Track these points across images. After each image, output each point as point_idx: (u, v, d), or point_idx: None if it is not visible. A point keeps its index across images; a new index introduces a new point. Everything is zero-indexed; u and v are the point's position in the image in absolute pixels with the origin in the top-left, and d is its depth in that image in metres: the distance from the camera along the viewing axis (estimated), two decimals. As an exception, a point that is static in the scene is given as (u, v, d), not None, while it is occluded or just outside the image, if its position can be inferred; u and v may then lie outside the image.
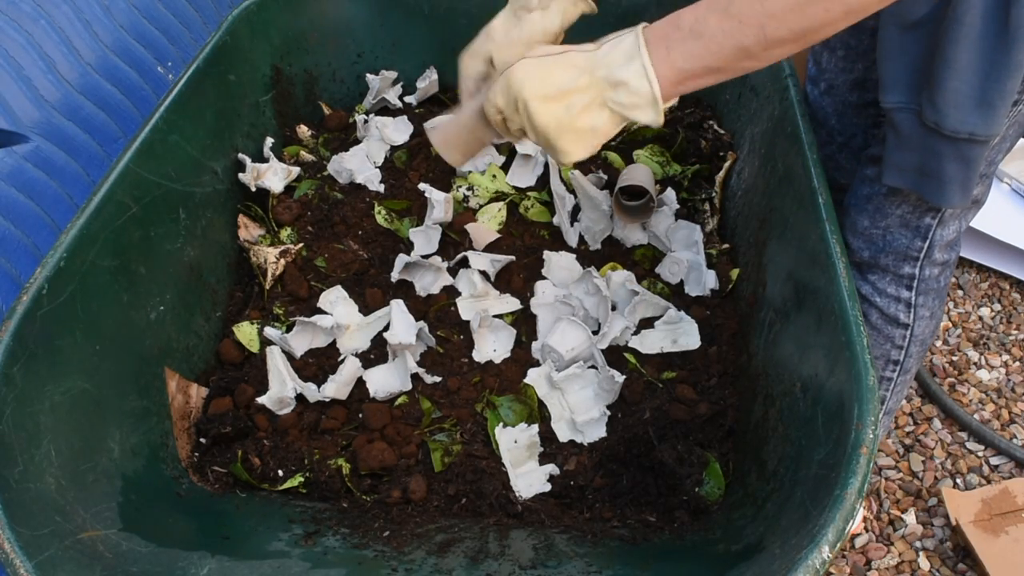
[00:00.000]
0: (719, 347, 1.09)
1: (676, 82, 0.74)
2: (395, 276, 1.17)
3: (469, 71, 0.94)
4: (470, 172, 1.31)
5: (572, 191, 1.26)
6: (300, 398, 1.07)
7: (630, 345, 1.10)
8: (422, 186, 1.25)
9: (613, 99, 0.76)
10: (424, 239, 1.22)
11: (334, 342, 1.13)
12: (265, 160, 1.32)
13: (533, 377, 1.07)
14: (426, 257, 1.19)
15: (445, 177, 1.33)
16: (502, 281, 1.18)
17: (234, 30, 1.26)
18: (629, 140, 1.36)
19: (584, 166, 1.30)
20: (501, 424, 1.02)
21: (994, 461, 1.63)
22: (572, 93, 0.76)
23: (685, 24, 0.72)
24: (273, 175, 1.29)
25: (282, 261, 1.18)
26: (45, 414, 0.80)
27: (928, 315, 1.19)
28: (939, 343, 1.84)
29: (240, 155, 1.26)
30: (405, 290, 1.18)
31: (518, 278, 1.18)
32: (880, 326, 1.20)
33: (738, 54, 0.71)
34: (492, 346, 1.12)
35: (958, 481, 1.60)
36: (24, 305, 0.80)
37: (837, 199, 1.32)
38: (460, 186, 1.29)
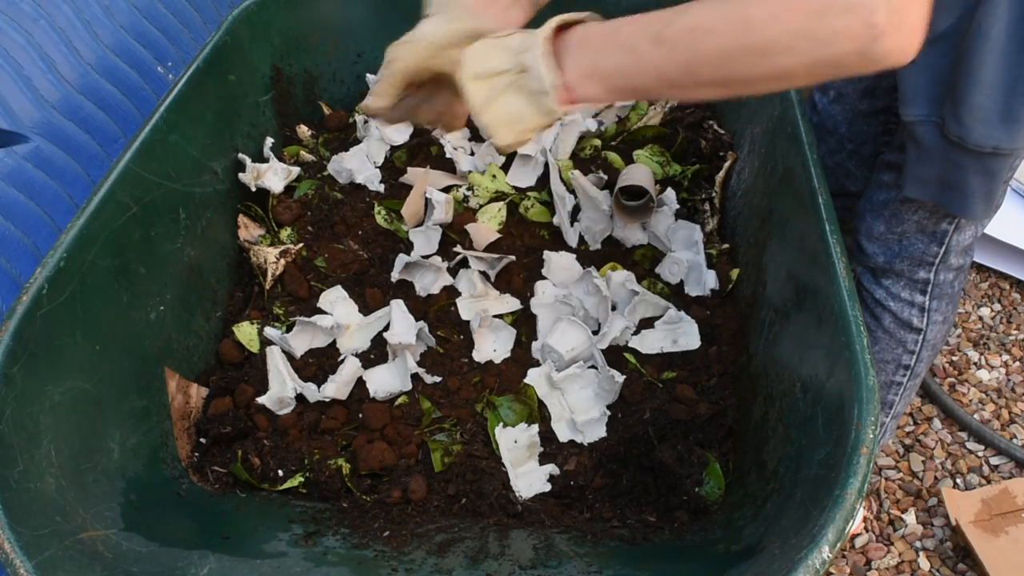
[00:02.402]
0: (719, 347, 1.09)
1: (599, 88, 0.72)
2: (395, 276, 1.17)
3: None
4: (470, 172, 1.31)
5: (572, 191, 1.26)
6: (300, 398, 1.07)
7: (630, 345, 1.10)
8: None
9: (525, 84, 0.74)
10: (424, 239, 1.22)
11: (334, 342, 1.13)
12: (265, 160, 1.32)
13: (533, 377, 1.07)
14: (426, 257, 1.19)
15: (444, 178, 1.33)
16: (502, 281, 1.18)
17: (234, 30, 1.26)
18: (629, 140, 1.36)
19: (584, 166, 1.30)
20: (501, 424, 1.02)
21: (994, 461, 1.63)
22: (497, 75, 0.75)
23: (622, 36, 0.69)
24: (273, 175, 1.29)
25: (282, 261, 1.18)
26: (45, 414, 0.80)
27: (941, 320, 1.19)
28: (939, 343, 1.84)
29: (240, 155, 1.26)
30: (405, 290, 1.18)
31: (518, 278, 1.18)
32: (893, 330, 1.20)
33: (663, 83, 0.69)
34: (492, 346, 1.12)
35: (958, 481, 1.60)
36: (24, 305, 0.80)
37: (847, 206, 1.33)
38: (460, 186, 1.29)
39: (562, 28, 0.74)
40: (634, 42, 0.68)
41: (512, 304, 1.15)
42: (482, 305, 1.14)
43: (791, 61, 0.62)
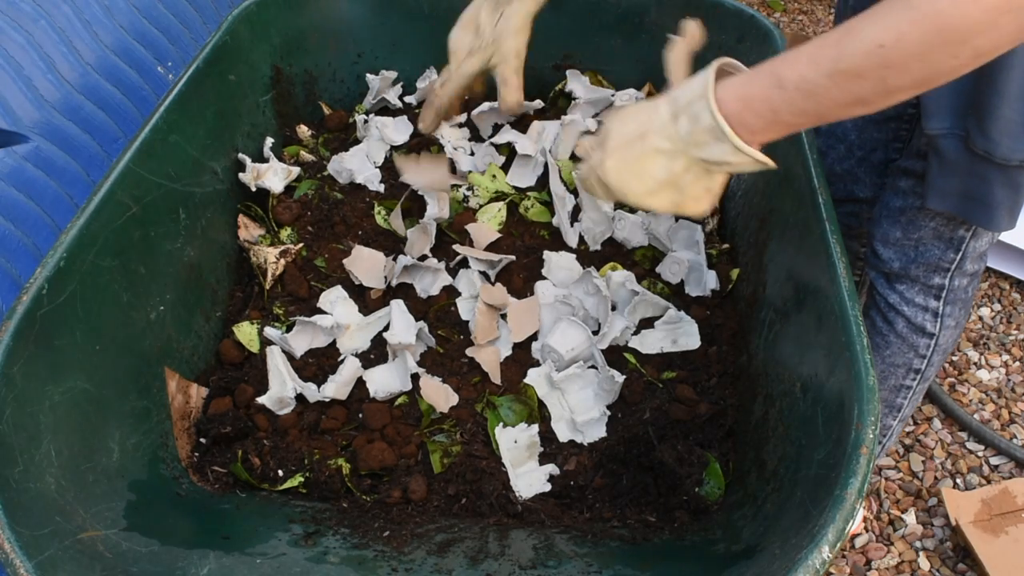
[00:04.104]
0: (719, 347, 1.09)
1: (783, 132, 0.71)
2: (395, 280, 1.17)
3: (456, 45, 0.95)
4: (470, 172, 1.31)
5: (572, 191, 1.26)
6: (300, 398, 1.07)
7: (630, 345, 1.10)
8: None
9: (717, 168, 0.74)
10: (421, 236, 1.21)
11: (334, 342, 1.13)
12: (265, 160, 1.32)
13: (533, 377, 1.07)
14: (424, 256, 1.19)
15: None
16: (502, 281, 1.18)
17: (234, 30, 1.26)
18: (629, 140, 1.36)
19: (584, 166, 1.30)
20: (501, 424, 1.02)
21: (994, 461, 1.63)
22: (676, 178, 0.74)
23: (789, 83, 0.67)
24: (273, 175, 1.29)
25: (282, 261, 1.18)
26: (45, 414, 0.80)
27: (953, 324, 1.19)
28: (939, 343, 1.84)
29: (240, 155, 1.27)
30: (405, 290, 1.18)
31: (518, 278, 1.18)
32: (906, 335, 1.20)
33: (853, 105, 0.67)
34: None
35: (958, 481, 1.60)
36: (24, 305, 0.81)
37: (855, 212, 1.33)
38: (460, 186, 1.29)
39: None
40: (812, 84, 0.66)
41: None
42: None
43: (993, 38, 0.61)
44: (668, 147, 0.73)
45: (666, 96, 0.75)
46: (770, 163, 0.72)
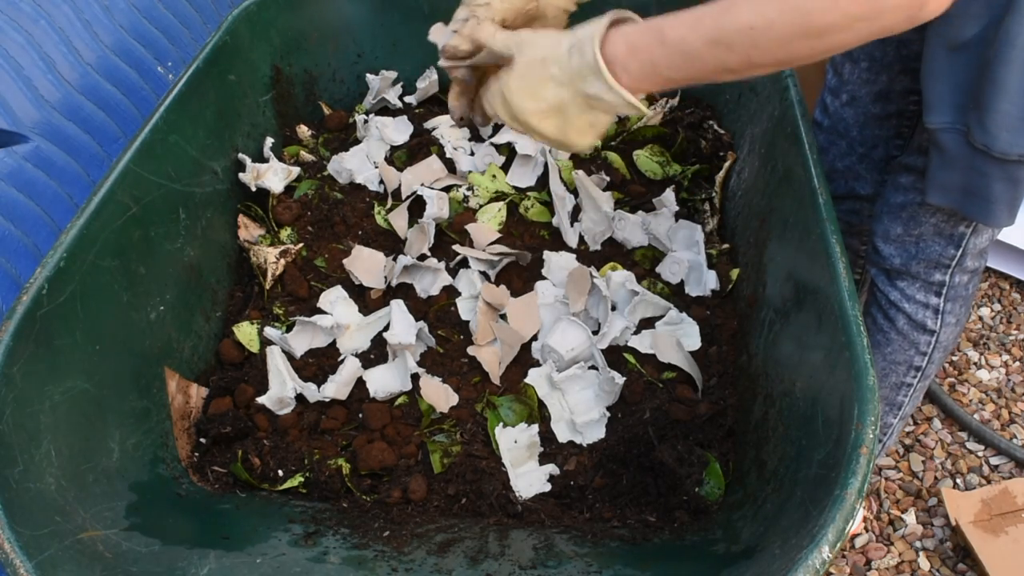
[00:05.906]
0: (719, 347, 1.09)
1: (659, 84, 0.77)
2: (395, 280, 1.17)
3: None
4: (470, 172, 1.31)
5: (572, 191, 1.26)
6: (300, 398, 1.07)
7: (630, 345, 1.10)
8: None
9: (595, 105, 0.79)
10: (420, 237, 1.21)
11: (334, 342, 1.13)
12: (265, 160, 1.32)
13: (533, 377, 1.07)
14: (424, 256, 1.19)
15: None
16: (502, 281, 1.18)
17: (234, 30, 1.26)
18: (629, 140, 1.36)
19: (584, 166, 1.30)
20: (501, 424, 1.02)
21: (994, 461, 1.63)
22: (563, 105, 0.80)
23: (671, 41, 0.74)
24: (273, 175, 1.29)
25: (282, 261, 1.18)
26: (45, 414, 0.80)
27: (954, 322, 1.19)
28: (939, 343, 1.84)
29: (240, 155, 1.26)
30: (405, 290, 1.18)
31: (518, 278, 1.18)
32: (907, 332, 1.20)
33: (721, 72, 0.75)
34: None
35: (958, 481, 1.60)
36: (24, 305, 0.80)
37: (855, 209, 1.33)
38: (460, 186, 1.29)
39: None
40: (689, 47, 0.73)
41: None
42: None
43: (847, 37, 0.69)
44: (559, 75, 0.79)
45: (570, 31, 0.80)
46: (641, 107, 0.77)
